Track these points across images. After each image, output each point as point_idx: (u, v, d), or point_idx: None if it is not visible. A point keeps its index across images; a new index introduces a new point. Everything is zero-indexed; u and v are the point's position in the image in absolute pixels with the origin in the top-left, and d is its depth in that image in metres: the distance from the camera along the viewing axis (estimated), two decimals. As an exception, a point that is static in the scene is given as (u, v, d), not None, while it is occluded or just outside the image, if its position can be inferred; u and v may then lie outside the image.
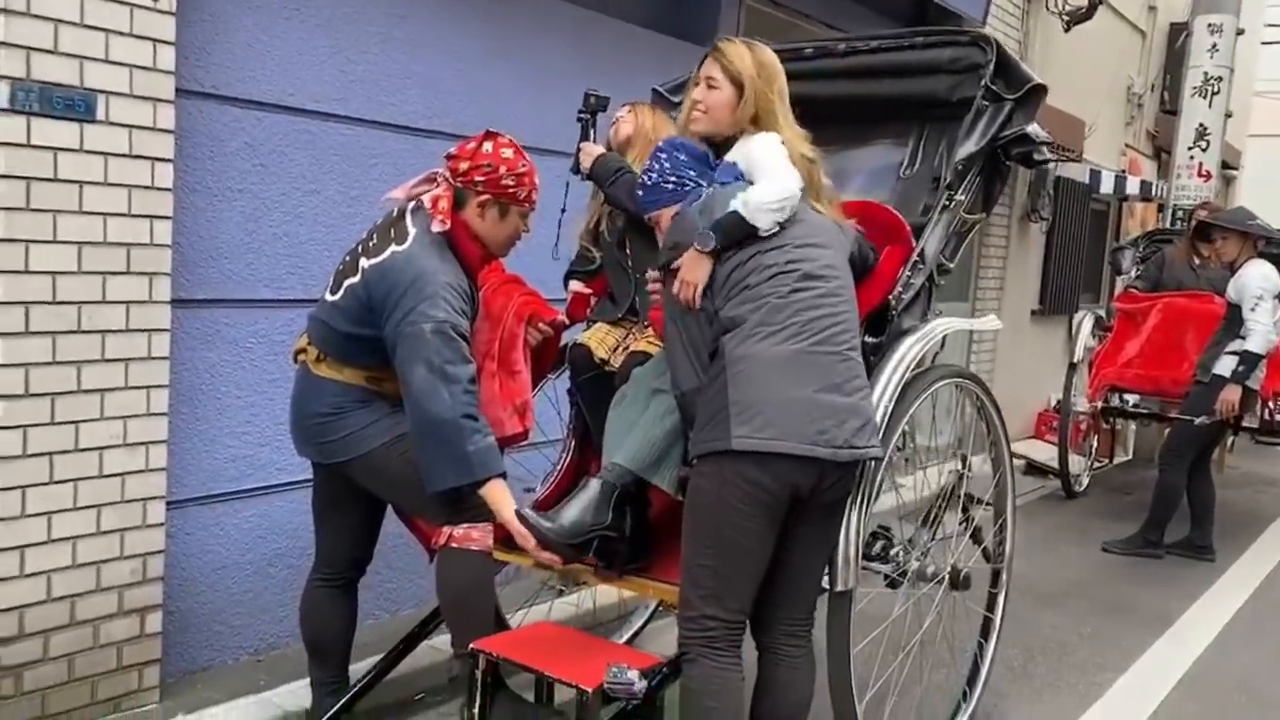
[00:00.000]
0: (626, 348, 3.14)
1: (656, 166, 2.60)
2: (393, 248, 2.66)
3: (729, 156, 2.61)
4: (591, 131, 3.13)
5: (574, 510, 2.66)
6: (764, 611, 2.57)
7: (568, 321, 3.26)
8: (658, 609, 4.04)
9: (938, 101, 3.24)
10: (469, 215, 2.75)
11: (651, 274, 2.70)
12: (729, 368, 2.38)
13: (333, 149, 3.58)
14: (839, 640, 2.74)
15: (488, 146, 2.74)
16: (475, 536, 2.74)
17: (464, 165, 2.73)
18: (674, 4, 5.20)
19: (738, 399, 2.34)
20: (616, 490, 2.70)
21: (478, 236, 2.78)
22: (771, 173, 2.47)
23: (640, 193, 2.64)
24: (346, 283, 2.70)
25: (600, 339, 3.19)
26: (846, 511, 2.63)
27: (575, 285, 3.40)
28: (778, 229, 2.44)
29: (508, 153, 2.75)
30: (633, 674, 2.51)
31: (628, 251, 3.19)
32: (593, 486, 2.70)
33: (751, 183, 2.49)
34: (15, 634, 2.83)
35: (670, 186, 2.58)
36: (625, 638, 3.97)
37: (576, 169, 3.13)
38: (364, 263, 2.68)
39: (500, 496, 2.67)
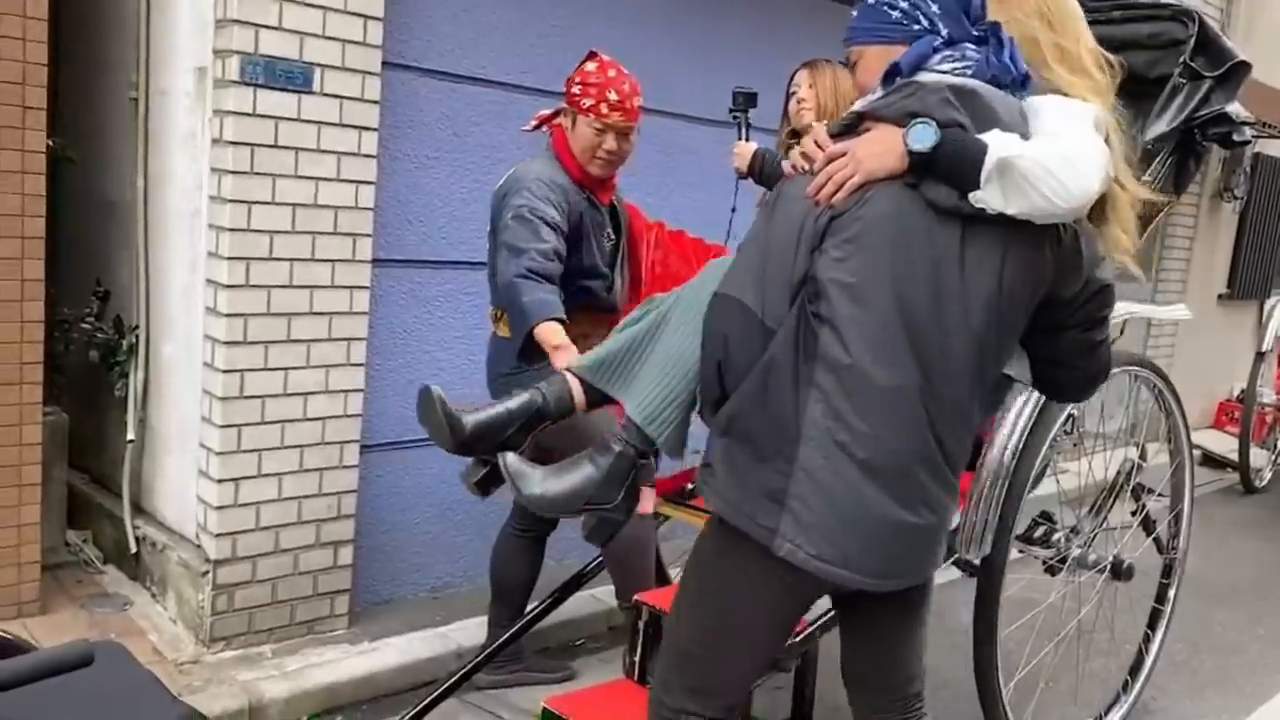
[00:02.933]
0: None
1: None
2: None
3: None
4: (743, 130, 3.08)
5: (577, 477, 2.01)
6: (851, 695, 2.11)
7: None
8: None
9: (1133, 78, 3.14)
10: (563, 124, 2.92)
11: (813, 141, 1.82)
12: (807, 417, 1.69)
13: (519, 119, 3.74)
14: (985, 618, 2.76)
15: (587, 65, 2.87)
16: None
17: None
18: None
19: (800, 495, 1.70)
20: (635, 469, 2.02)
21: (569, 147, 2.91)
22: (1078, 138, 1.71)
23: (854, 13, 1.86)
24: None
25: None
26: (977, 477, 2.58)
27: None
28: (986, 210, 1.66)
29: (590, 65, 2.87)
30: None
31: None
32: (611, 455, 2.01)
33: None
34: (229, 556, 3.14)
35: (897, 15, 1.79)
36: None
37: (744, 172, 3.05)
38: None
39: (550, 339, 2.53)
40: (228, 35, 2.91)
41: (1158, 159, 2.99)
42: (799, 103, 3.12)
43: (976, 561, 2.75)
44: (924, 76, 1.75)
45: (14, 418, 3.07)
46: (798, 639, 2.58)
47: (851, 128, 1.78)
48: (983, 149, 1.64)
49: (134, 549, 3.46)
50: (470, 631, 3.50)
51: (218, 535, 3.11)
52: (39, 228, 3.04)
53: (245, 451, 3.11)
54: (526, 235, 2.70)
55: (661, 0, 4.12)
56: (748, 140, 3.06)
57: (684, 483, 3.35)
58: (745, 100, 3.08)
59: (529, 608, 3.15)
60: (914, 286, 1.68)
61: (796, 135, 3.17)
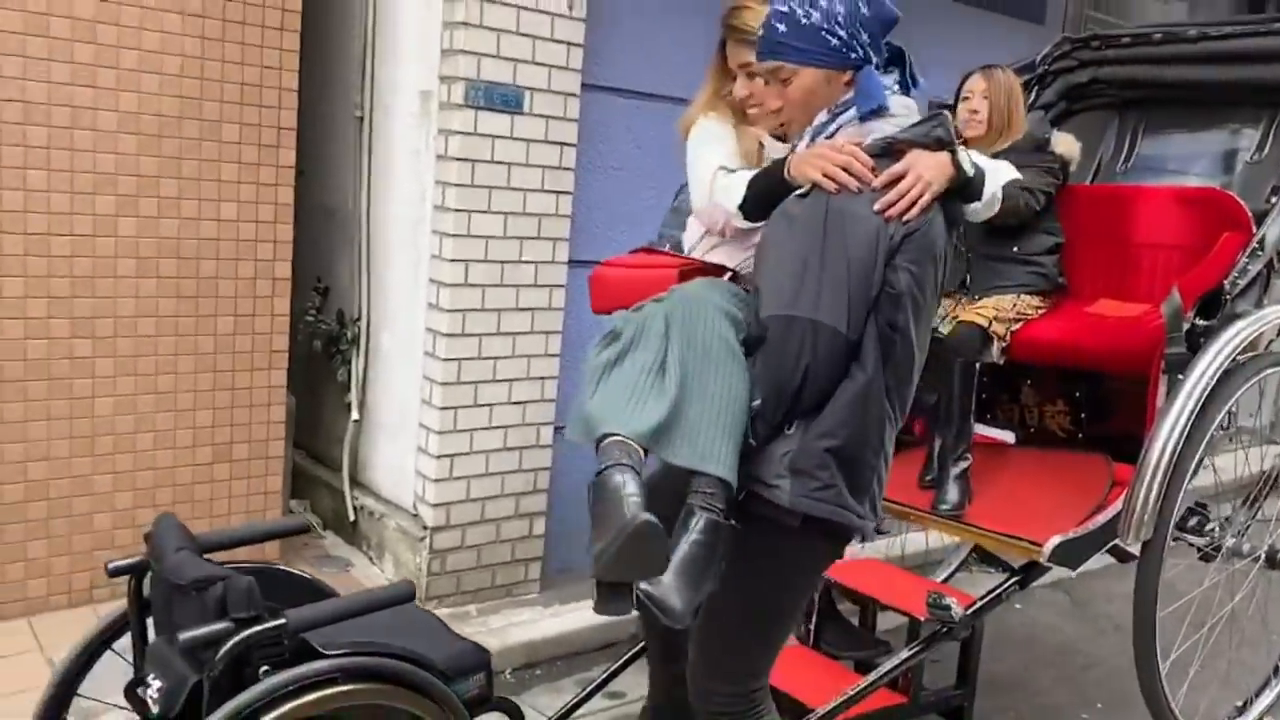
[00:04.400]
0: (955, 317, 3.43)
1: (825, 4, 1.88)
2: None
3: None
4: None
5: (707, 578, 1.77)
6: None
7: None
8: (970, 556, 4.32)
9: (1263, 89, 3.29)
10: None
11: (845, 145, 1.89)
12: (888, 420, 1.85)
13: (694, 130, 4.06)
14: (1144, 602, 2.95)
15: None
16: None
17: None
18: (1005, -18, 5.30)
19: (879, 480, 1.88)
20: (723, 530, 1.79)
21: None
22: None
23: (778, 27, 1.91)
24: None
25: (931, 309, 3.49)
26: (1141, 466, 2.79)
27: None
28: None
29: None
30: (950, 600, 2.86)
31: (961, 232, 3.46)
32: (716, 531, 1.77)
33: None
34: (444, 524, 3.54)
35: (835, 43, 1.88)
36: (940, 579, 4.30)
37: None
38: None
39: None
40: (453, 63, 3.29)
41: None
42: (971, 113, 3.25)
43: (1135, 549, 2.95)
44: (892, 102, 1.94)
45: (264, 399, 3.53)
46: (969, 611, 2.84)
47: (887, 152, 1.88)
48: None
49: (352, 517, 3.91)
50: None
51: (434, 505, 3.51)
52: (288, 233, 3.49)
53: (459, 431, 3.50)
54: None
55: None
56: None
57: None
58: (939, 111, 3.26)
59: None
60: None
61: (964, 143, 3.38)
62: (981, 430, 3.51)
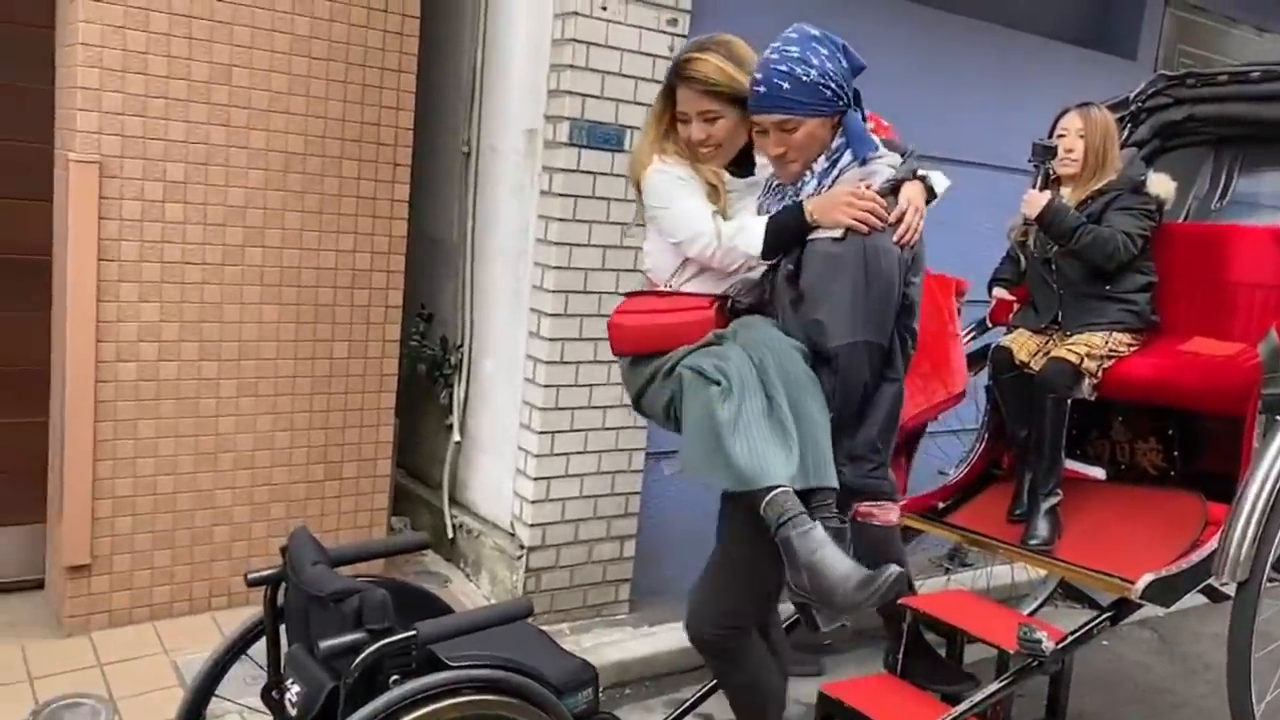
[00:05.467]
0: (1047, 353, 3.47)
1: (816, 63, 2.19)
2: None
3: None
4: (1040, 180, 3.27)
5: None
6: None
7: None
8: (1056, 590, 4.32)
9: None
10: None
11: (869, 190, 2.22)
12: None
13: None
14: (1239, 641, 2.95)
15: None
16: (876, 513, 3.19)
17: None
18: (1095, 17, 5.32)
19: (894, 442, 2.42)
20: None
21: None
22: None
23: (783, 85, 2.19)
24: None
25: (1022, 343, 3.52)
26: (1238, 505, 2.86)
27: (999, 292, 3.74)
28: None
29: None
30: (1041, 634, 2.89)
31: (1053, 269, 3.49)
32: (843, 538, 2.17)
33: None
34: (539, 544, 3.68)
35: (829, 94, 2.21)
36: (1026, 613, 4.30)
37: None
38: None
39: None
40: (560, 103, 3.45)
41: None
42: (1066, 151, 3.30)
43: (1230, 589, 2.96)
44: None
45: (373, 420, 3.72)
46: (1060, 645, 2.87)
47: (891, 190, 2.24)
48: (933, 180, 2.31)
49: (451, 535, 4.07)
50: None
51: (531, 525, 3.65)
52: (399, 263, 3.68)
53: (557, 455, 3.64)
54: None
55: (910, 49, 4.44)
56: (1042, 190, 3.26)
57: (934, 501, 3.68)
58: (1044, 152, 3.24)
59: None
60: None
61: (1057, 181, 3.41)
62: (1072, 465, 3.53)
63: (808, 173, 2.29)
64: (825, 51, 2.20)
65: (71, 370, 3.16)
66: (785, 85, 2.19)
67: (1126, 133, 3.74)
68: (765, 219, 2.29)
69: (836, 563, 2.04)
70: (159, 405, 3.32)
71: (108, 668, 3.16)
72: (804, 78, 2.18)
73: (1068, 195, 3.37)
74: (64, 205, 3.15)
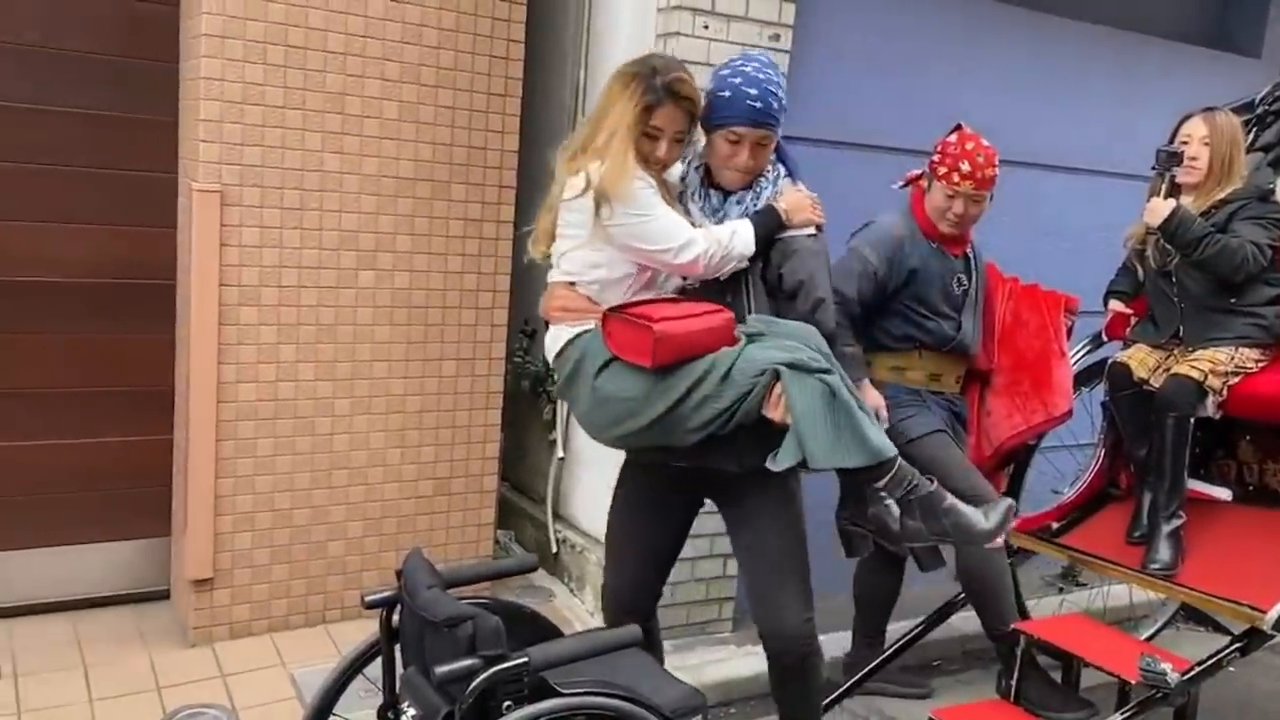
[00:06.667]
0: (1167, 369, 3.34)
1: (782, 83, 2.48)
2: None
3: None
4: (1164, 188, 3.19)
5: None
6: None
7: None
8: (1177, 613, 4.15)
9: None
10: (923, 185, 3.26)
11: (815, 198, 2.61)
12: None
13: (889, 175, 4.10)
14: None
15: (950, 136, 3.17)
16: None
17: None
18: (1216, 14, 5.11)
19: None
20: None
21: (924, 205, 3.24)
22: None
23: (773, 105, 2.44)
24: None
25: (1140, 359, 3.40)
26: None
27: (1115, 305, 3.62)
28: None
29: (952, 137, 3.15)
30: (1165, 666, 2.79)
31: (1174, 281, 3.36)
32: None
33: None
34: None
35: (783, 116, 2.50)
36: (1143, 637, 4.16)
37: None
38: None
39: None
40: (661, 124, 3.45)
41: None
42: (1190, 159, 3.21)
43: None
44: None
45: (480, 436, 3.78)
46: (1186, 677, 2.77)
47: None
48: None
49: (555, 549, 4.11)
50: (832, 641, 3.86)
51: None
52: (505, 284, 3.74)
53: (661, 474, 3.64)
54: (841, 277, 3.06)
55: (1023, 57, 4.34)
56: (1166, 198, 3.19)
57: (1047, 521, 3.58)
58: (1170, 159, 3.18)
59: (906, 627, 3.48)
60: None
61: (1178, 189, 3.29)
62: (1195, 486, 3.40)
63: (763, 180, 2.53)
64: (777, 78, 2.48)
65: (195, 390, 3.29)
66: (774, 105, 2.44)
67: (1252, 137, 3.58)
68: (746, 222, 2.46)
69: (964, 506, 2.42)
70: (277, 424, 3.43)
71: (229, 678, 3.29)
72: (782, 99, 2.46)
73: (1190, 205, 3.25)
74: (188, 232, 3.29)
